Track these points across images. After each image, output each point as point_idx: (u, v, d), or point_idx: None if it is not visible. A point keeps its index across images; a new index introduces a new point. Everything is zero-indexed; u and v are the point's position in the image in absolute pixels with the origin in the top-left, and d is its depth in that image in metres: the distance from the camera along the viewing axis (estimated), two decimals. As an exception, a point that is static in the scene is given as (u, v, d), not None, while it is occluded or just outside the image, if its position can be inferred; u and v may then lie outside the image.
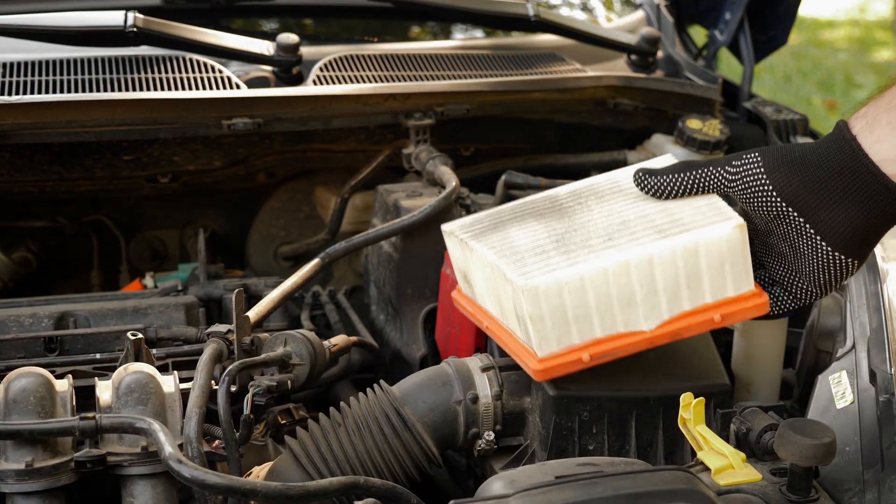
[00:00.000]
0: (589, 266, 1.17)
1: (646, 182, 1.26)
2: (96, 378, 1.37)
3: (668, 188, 1.25)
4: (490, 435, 1.31)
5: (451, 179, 1.78)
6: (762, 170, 1.18)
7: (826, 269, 1.20)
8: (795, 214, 1.18)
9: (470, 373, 1.33)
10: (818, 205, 1.15)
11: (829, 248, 1.18)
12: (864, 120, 1.14)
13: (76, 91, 1.85)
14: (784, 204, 1.17)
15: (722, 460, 1.14)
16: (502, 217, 1.32)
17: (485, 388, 1.32)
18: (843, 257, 1.18)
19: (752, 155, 1.20)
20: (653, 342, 1.22)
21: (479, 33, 2.56)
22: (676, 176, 1.24)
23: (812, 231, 1.18)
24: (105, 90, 1.86)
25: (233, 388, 1.33)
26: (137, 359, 1.40)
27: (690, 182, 1.24)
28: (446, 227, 1.35)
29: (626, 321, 1.20)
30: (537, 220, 1.28)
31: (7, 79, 1.86)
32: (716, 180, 1.22)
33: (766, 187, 1.17)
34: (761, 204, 1.19)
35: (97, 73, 1.91)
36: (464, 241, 1.29)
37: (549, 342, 1.19)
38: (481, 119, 2.06)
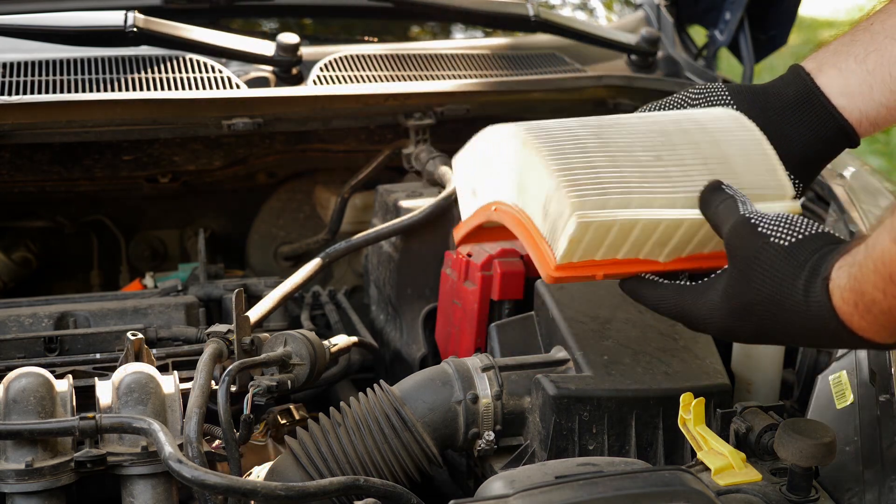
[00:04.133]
0: (645, 213, 1.16)
1: None
2: (96, 378, 1.37)
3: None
4: (490, 435, 1.31)
5: (452, 180, 1.78)
6: (726, 93, 1.27)
7: None
8: None
9: (470, 373, 1.33)
10: (777, 127, 1.24)
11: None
12: (815, 62, 1.26)
13: (76, 91, 1.85)
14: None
15: (722, 460, 1.14)
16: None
17: (485, 388, 1.32)
18: (792, 177, 1.25)
19: (716, 83, 1.30)
20: (662, 269, 1.22)
21: (479, 33, 2.56)
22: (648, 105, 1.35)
23: None
24: (105, 90, 1.86)
25: (233, 388, 1.33)
26: (137, 359, 1.40)
27: (658, 104, 1.33)
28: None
29: (649, 254, 1.20)
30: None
31: (7, 79, 1.86)
32: (679, 101, 1.31)
33: (731, 106, 1.26)
34: None
35: (97, 73, 1.91)
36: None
37: (572, 257, 1.18)
38: (481, 119, 2.06)
